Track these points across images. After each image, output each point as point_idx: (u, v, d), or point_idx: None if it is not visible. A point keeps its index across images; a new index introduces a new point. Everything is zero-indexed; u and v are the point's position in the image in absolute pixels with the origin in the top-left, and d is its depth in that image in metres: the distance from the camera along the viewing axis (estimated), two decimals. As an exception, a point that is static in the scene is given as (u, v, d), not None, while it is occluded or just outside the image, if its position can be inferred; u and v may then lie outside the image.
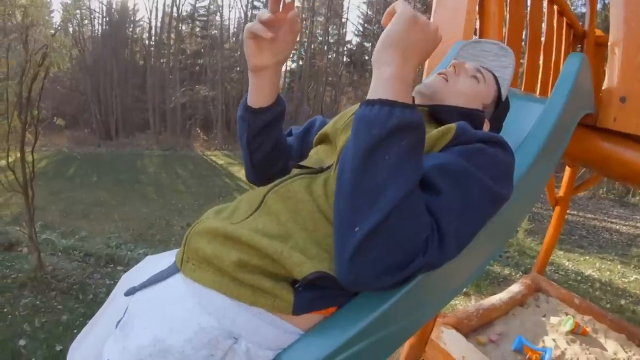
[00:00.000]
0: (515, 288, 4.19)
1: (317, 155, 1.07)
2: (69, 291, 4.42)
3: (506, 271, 6.48)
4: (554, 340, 3.57)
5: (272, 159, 1.20)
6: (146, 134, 27.61)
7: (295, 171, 0.97)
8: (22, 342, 3.56)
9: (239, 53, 30.41)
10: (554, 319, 3.83)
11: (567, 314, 3.93)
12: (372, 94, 0.76)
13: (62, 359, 3.33)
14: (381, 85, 0.76)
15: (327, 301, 0.77)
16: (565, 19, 3.02)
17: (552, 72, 2.90)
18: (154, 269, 0.90)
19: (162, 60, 31.15)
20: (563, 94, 1.49)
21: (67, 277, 4.66)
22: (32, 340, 3.62)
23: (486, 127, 1.15)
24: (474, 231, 0.80)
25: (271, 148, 1.17)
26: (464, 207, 0.76)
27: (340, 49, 33.36)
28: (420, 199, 0.72)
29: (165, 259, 0.95)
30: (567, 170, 4.31)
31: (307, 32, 30.95)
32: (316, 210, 0.84)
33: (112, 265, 5.30)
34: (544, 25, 2.86)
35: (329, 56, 32.50)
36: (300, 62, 31.11)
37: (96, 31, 30.66)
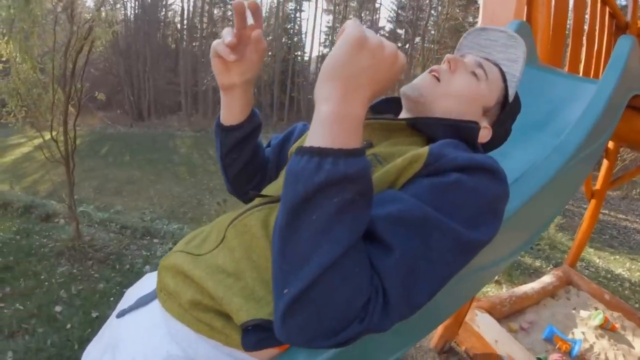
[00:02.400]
0: (547, 279, 4.18)
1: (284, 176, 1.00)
2: (105, 261, 4.51)
3: (537, 263, 6.41)
4: (583, 333, 3.57)
5: (247, 175, 1.16)
6: (178, 115, 27.96)
7: (255, 201, 0.91)
8: (58, 309, 3.65)
9: (270, 37, 30.41)
10: (583, 313, 3.82)
11: (596, 308, 3.91)
12: (307, 139, 0.63)
13: (97, 325, 3.38)
14: (316, 127, 0.63)
15: (277, 340, 0.67)
16: (608, 9, 2.96)
17: (593, 62, 2.86)
18: (151, 287, 0.95)
19: (194, 44, 31.37)
20: (615, 74, 1.52)
21: (104, 247, 4.74)
22: (68, 306, 3.70)
23: (485, 136, 0.99)
24: (436, 289, 0.69)
25: (244, 164, 1.13)
26: (420, 266, 0.65)
27: (373, 36, 33.05)
28: (358, 261, 0.61)
29: None
30: (604, 163, 4.25)
31: (340, 17, 30.75)
32: (270, 247, 0.76)
33: (148, 237, 5.36)
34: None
35: (362, 42, 32.22)
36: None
37: (129, 15, 31.00)
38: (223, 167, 1.15)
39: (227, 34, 0.88)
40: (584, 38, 2.77)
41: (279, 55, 31.00)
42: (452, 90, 0.96)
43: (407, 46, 30.91)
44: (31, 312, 3.57)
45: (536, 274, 5.79)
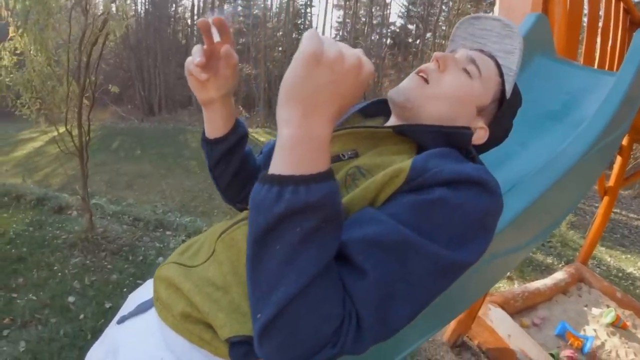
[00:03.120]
0: (559, 275, 4.18)
1: None
2: (118, 252, 4.54)
3: (549, 260, 6.38)
4: (594, 330, 3.57)
5: (238, 184, 1.13)
6: (188, 110, 28.00)
7: (243, 213, 0.90)
8: (71, 299, 3.67)
9: (281, 33, 30.42)
10: (595, 310, 3.81)
11: (608, 306, 3.90)
12: (270, 165, 0.61)
13: (110, 316, 3.41)
14: (277, 153, 0.61)
15: None
16: (622, 5, 2.94)
17: (607, 57, 2.84)
18: (151, 293, 0.97)
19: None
20: (633, 66, 1.52)
21: (117, 238, 4.77)
22: (81, 297, 3.73)
23: (482, 137, 0.94)
24: (417, 311, 0.66)
25: (234, 174, 1.10)
26: (397, 289, 0.63)
27: (384, 31, 32.96)
28: (326, 288, 0.59)
29: None
30: (618, 160, 4.21)
31: (351, 12, 30.67)
32: None
33: (161, 229, 5.39)
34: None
35: (372, 38, 32.15)
36: (344, 42, 30.89)
37: (140, 10, 31.12)
38: (213, 178, 1.14)
39: (196, 54, 0.87)
40: (599, 33, 2.74)
41: (289, 50, 30.99)
42: (441, 92, 0.90)
43: (417, 42, 30.81)
44: (44, 302, 3.59)
45: (547, 270, 5.77)
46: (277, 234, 0.57)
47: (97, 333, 3.14)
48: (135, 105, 27.72)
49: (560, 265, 6.11)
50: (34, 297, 3.66)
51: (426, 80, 0.90)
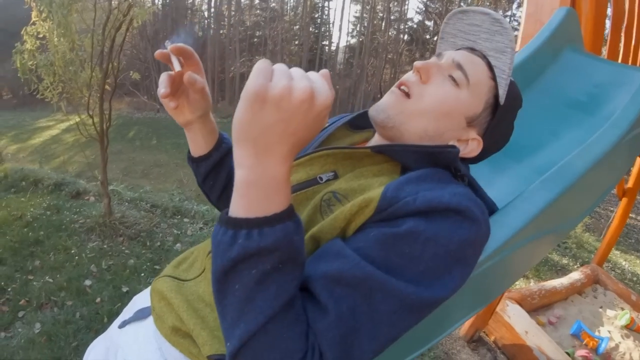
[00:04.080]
0: (575, 275, 4.15)
1: None
2: (136, 238, 4.56)
3: (564, 261, 6.34)
4: (609, 332, 3.53)
5: (229, 197, 1.11)
6: (204, 102, 28.23)
7: None
8: (87, 282, 3.70)
9: (298, 26, 30.42)
10: (610, 312, 3.78)
11: (623, 308, 3.87)
12: (230, 207, 0.61)
13: (127, 300, 3.42)
14: (234, 195, 0.60)
15: None
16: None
17: (631, 54, 2.81)
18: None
19: (221, 32, 31.55)
20: None
21: (135, 224, 4.79)
22: (98, 281, 3.75)
23: (474, 150, 0.87)
24: (383, 346, 0.64)
25: (223, 188, 1.11)
26: (362, 325, 0.61)
27: (402, 27, 32.77)
28: (288, 324, 0.59)
29: None
30: (637, 161, 4.16)
31: (368, 7, 30.56)
32: None
33: (178, 216, 5.39)
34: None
35: (390, 33, 31.98)
36: (361, 39, 30.83)
37: (157, 2, 31.30)
38: (204, 192, 1.15)
39: (162, 84, 0.86)
40: (623, 30, 2.71)
41: (307, 44, 30.98)
42: (424, 106, 0.82)
43: (435, 38, 30.59)
44: (60, 285, 3.62)
45: (563, 271, 5.73)
46: (235, 275, 0.58)
47: (113, 316, 3.16)
48: (152, 95, 27.90)
49: (576, 266, 6.07)
50: (50, 280, 3.69)
51: (407, 95, 0.83)
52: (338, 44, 36.75)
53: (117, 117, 18.17)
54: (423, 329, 0.93)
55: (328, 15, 34.81)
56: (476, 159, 0.91)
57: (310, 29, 32.24)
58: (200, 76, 0.91)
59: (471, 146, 0.86)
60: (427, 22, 32.41)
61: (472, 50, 0.88)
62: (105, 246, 4.33)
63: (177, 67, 0.86)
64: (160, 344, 0.88)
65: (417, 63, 0.84)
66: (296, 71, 0.58)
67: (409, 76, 0.85)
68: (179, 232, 4.92)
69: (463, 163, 0.87)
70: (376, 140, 0.91)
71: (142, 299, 1.06)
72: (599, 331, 3.52)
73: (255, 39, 32.30)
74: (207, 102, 0.96)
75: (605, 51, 2.61)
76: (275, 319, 0.57)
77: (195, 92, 0.92)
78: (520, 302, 3.36)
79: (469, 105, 0.83)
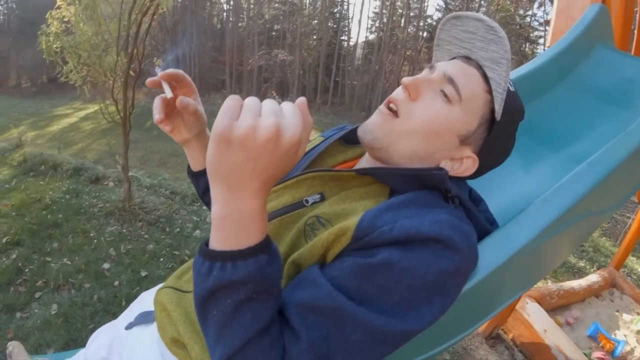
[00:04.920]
0: (593, 278, 4.11)
1: None
2: (155, 223, 4.56)
3: (581, 263, 6.29)
4: (625, 336, 3.50)
5: None
6: (222, 93, 28.37)
7: None
8: (106, 265, 3.69)
9: (316, 21, 30.39)
10: (626, 316, 3.75)
11: (639, 313, 3.83)
12: (209, 239, 0.64)
13: (146, 284, 3.41)
14: (212, 228, 0.62)
15: None
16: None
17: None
18: None
19: (239, 24, 31.65)
20: None
21: (154, 210, 4.79)
22: (116, 264, 3.75)
23: (469, 168, 0.82)
24: None
25: None
26: (334, 352, 0.62)
27: (421, 24, 32.61)
28: (264, 348, 0.61)
29: None
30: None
31: (388, 3, 30.43)
32: None
33: (197, 203, 5.38)
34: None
35: (409, 30, 31.83)
36: (380, 35, 30.71)
37: (176, -7, 31.45)
38: (205, 203, 1.17)
39: (155, 111, 0.89)
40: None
41: (325, 39, 30.95)
42: (413, 126, 0.77)
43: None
44: (78, 267, 3.62)
45: (579, 273, 5.68)
46: (213, 301, 0.61)
47: (131, 300, 3.14)
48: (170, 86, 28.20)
49: (592, 269, 6.03)
50: (68, 262, 3.69)
51: (395, 113, 0.79)
52: (357, 39, 36.77)
53: (135, 106, 18.08)
54: (471, 311, 0.98)
55: (347, 10, 34.77)
56: (474, 175, 0.86)
57: (329, 24, 32.23)
58: (193, 97, 0.95)
59: (466, 164, 0.82)
60: (447, 20, 32.22)
61: (467, 60, 0.82)
62: (124, 230, 4.34)
63: (168, 93, 0.88)
64: (163, 351, 0.94)
65: (404, 80, 0.79)
66: (266, 106, 0.57)
67: (398, 93, 0.81)
68: (199, 220, 4.91)
69: (460, 180, 0.85)
70: (366, 159, 0.88)
71: (149, 298, 1.11)
72: (615, 334, 3.50)
73: (274, 33, 32.35)
74: (201, 122, 0.99)
75: (632, 47, 2.58)
76: (250, 343, 0.61)
77: (189, 114, 0.95)
78: (540, 301, 3.34)
79: (462, 122, 0.78)
